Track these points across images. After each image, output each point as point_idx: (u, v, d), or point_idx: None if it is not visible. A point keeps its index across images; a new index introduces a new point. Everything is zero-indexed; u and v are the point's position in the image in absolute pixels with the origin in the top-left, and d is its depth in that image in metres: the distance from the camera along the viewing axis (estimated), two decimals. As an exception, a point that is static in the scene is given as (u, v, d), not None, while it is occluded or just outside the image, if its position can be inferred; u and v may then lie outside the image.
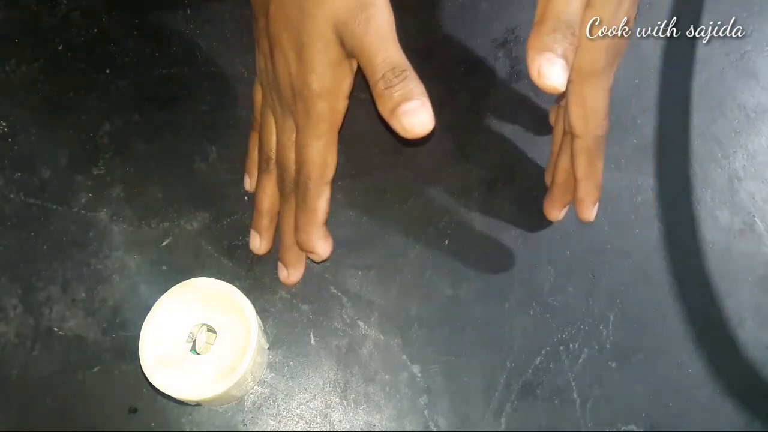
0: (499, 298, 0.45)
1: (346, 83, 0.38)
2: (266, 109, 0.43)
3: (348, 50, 0.36)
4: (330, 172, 0.40)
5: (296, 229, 0.42)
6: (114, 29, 0.50)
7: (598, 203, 0.43)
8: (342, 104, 0.39)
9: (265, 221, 0.44)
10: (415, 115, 0.33)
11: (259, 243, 0.44)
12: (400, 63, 0.34)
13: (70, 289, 0.44)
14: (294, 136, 0.40)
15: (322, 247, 0.41)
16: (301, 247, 0.42)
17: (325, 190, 0.40)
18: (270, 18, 0.38)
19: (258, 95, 0.45)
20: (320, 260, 0.43)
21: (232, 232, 0.45)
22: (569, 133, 0.41)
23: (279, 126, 0.42)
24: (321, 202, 0.41)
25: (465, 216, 0.46)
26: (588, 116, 0.39)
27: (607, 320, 0.44)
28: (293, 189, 0.41)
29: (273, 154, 0.43)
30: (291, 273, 0.44)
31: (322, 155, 0.39)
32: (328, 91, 0.37)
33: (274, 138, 0.43)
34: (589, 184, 0.42)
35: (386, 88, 0.34)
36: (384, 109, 0.34)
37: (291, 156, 0.41)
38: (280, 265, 0.44)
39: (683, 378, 0.43)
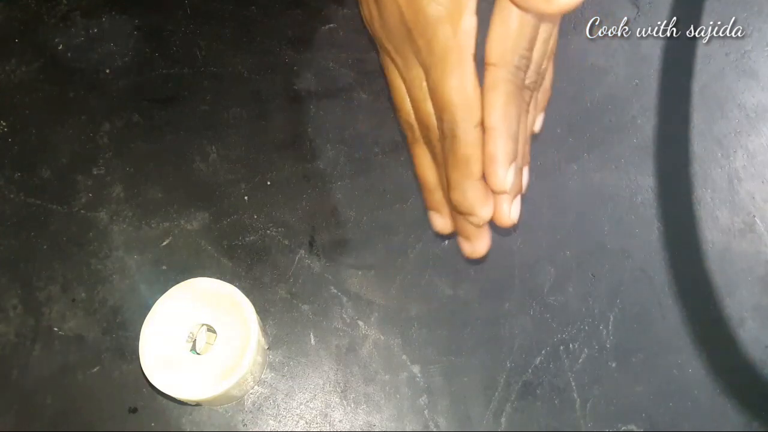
0: (499, 298, 0.45)
1: None
2: (389, 71, 0.36)
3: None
4: (476, 111, 0.32)
5: (450, 187, 0.34)
6: (114, 29, 0.50)
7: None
8: (470, 22, 0.32)
9: (437, 196, 0.37)
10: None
11: (442, 221, 0.38)
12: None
13: (70, 289, 0.44)
14: (424, 83, 0.34)
15: (480, 206, 0.33)
16: (458, 209, 0.34)
17: (475, 135, 0.33)
18: None
19: (385, 64, 0.37)
20: (482, 223, 0.35)
21: (232, 232, 0.45)
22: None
23: (407, 80, 0.35)
24: (473, 150, 0.33)
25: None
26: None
27: (607, 320, 0.44)
28: (443, 144, 0.34)
29: (412, 118, 0.36)
30: (475, 244, 0.36)
31: (461, 92, 0.32)
32: (448, 12, 0.31)
33: (407, 99, 0.36)
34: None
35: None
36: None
37: (428, 108, 0.34)
38: (460, 239, 0.37)
39: (683, 378, 0.43)
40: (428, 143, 0.36)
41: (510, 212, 0.34)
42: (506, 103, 0.32)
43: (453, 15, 0.31)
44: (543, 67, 0.35)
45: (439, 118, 0.34)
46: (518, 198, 0.35)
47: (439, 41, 0.32)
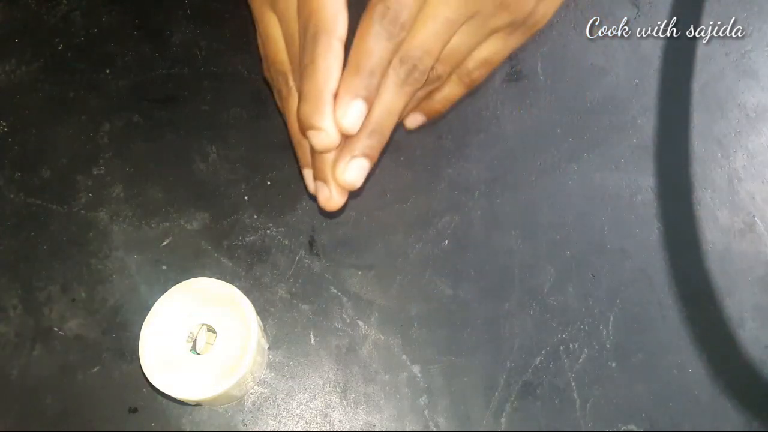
0: (499, 298, 0.45)
1: None
2: (266, 25, 0.34)
3: None
4: (342, 26, 0.30)
5: (299, 102, 0.31)
6: (114, 29, 0.50)
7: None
8: None
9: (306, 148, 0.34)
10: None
11: (308, 176, 0.34)
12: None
13: (70, 289, 0.44)
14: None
15: (328, 122, 0.30)
16: (303, 126, 0.31)
17: (336, 48, 0.30)
18: None
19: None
20: (324, 148, 0.31)
21: (232, 232, 0.45)
22: None
23: (286, 19, 0.32)
24: (330, 61, 0.30)
25: (465, 216, 0.46)
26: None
27: (607, 320, 0.44)
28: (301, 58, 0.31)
29: (286, 65, 0.33)
30: (329, 190, 0.33)
31: (331, 4, 0.29)
32: None
33: (282, 47, 0.33)
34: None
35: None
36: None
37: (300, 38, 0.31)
38: (317, 185, 0.33)
39: (683, 378, 0.43)
40: (282, 83, 0.33)
41: (343, 168, 0.31)
42: (373, 45, 0.30)
43: None
44: (443, 71, 0.33)
45: (303, 29, 0.30)
46: (359, 162, 0.32)
47: None
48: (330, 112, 0.30)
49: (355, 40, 0.30)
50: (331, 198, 0.33)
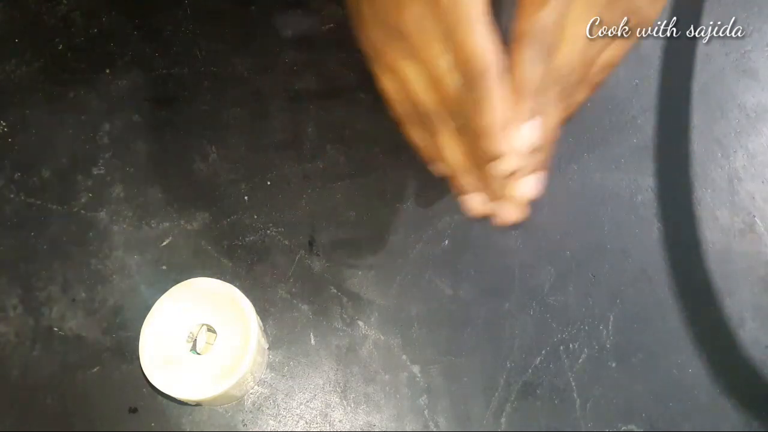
0: (499, 298, 0.45)
1: None
2: (396, 67, 0.36)
3: None
4: (498, 61, 0.32)
5: (478, 138, 0.34)
6: (114, 29, 0.50)
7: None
8: None
9: (470, 177, 0.37)
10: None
11: (478, 198, 0.37)
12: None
13: (70, 289, 0.44)
14: (443, 59, 0.33)
15: (509, 149, 0.33)
16: (487, 157, 0.34)
17: (498, 83, 0.32)
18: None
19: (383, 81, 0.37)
20: (507, 173, 0.35)
21: (232, 232, 0.45)
22: None
23: (427, 60, 0.34)
24: (498, 96, 0.33)
25: (465, 216, 0.46)
26: None
27: (607, 320, 0.44)
28: (455, 110, 0.34)
29: (428, 105, 0.35)
30: (509, 207, 0.36)
31: (484, 46, 0.32)
32: None
33: (420, 87, 0.35)
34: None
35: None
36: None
37: (452, 80, 0.33)
38: (496, 205, 0.37)
39: (683, 378, 0.43)
40: (449, 123, 0.35)
41: (524, 184, 0.36)
42: (530, 71, 0.33)
43: None
44: (577, 80, 0.36)
45: (465, 71, 0.33)
46: (537, 176, 0.36)
47: (459, 3, 0.31)
48: (508, 140, 0.33)
49: (515, 71, 0.33)
50: (515, 213, 0.37)
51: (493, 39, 0.32)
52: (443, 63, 0.34)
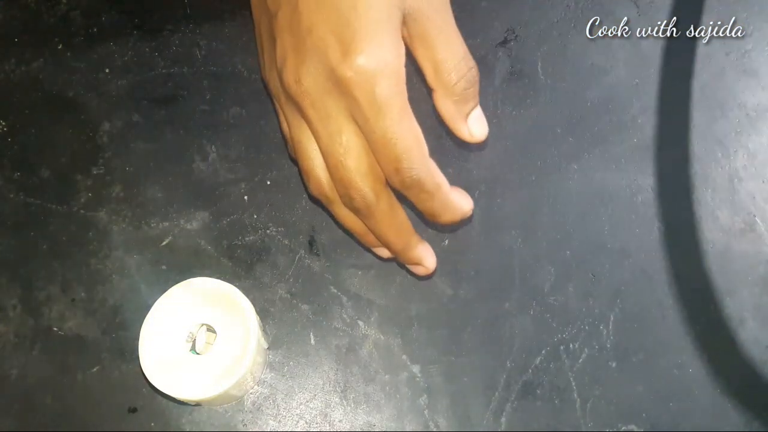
0: (499, 298, 0.45)
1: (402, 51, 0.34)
2: (297, 130, 0.36)
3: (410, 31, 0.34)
4: (426, 149, 0.35)
5: (439, 211, 0.38)
6: (114, 29, 0.50)
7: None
8: (403, 72, 0.33)
9: (371, 237, 0.40)
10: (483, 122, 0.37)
11: (384, 251, 0.41)
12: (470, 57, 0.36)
13: (70, 289, 0.44)
14: (344, 137, 0.34)
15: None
16: (452, 219, 0.38)
17: (433, 167, 0.36)
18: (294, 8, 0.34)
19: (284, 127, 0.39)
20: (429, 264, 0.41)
21: (232, 232, 0.45)
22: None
23: (323, 136, 0.35)
24: (438, 179, 0.36)
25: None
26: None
27: (607, 320, 0.44)
28: (377, 198, 0.36)
29: (325, 183, 0.37)
30: (427, 260, 0.40)
31: (413, 133, 0.34)
32: (388, 67, 0.32)
33: (317, 164, 0.36)
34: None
35: (465, 89, 0.35)
36: (458, 112, 0.36)
37: (350, 164, 0.34)
38: (411, 266, 0.41)
39: (683, 378, 0.43)
40: (347, 200, 0.36)
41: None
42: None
43: (393, 70, 0.33)
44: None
45: (394, 171, 0.35)
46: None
47: (383, 93, 0.32)
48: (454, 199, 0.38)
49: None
50: (429, 268, 0.40)
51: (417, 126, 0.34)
52: (341, 146, 0.34)
